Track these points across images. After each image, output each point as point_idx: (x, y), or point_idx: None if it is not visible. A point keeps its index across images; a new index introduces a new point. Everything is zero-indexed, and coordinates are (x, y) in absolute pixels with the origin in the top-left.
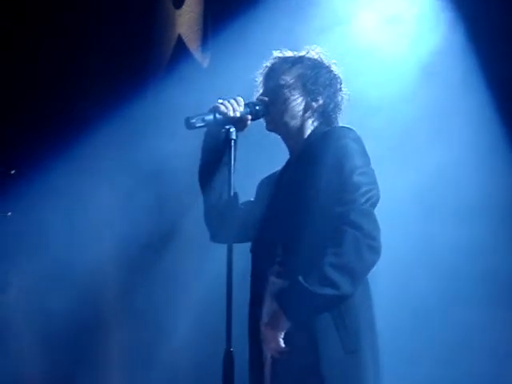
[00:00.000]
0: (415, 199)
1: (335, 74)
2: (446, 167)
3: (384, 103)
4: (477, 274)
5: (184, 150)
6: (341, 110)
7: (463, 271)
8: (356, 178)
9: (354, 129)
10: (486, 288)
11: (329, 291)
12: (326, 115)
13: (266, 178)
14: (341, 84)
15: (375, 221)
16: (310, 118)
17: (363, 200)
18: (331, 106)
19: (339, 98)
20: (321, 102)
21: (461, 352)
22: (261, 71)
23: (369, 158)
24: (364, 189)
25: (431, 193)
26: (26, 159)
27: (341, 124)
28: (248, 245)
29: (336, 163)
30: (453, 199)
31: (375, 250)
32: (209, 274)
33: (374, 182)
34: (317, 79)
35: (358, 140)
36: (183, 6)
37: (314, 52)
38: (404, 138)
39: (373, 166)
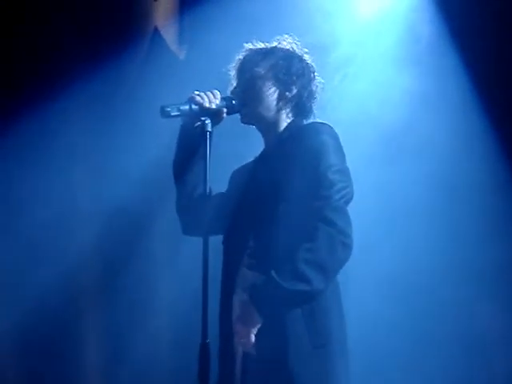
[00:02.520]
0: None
1: (308, 63)
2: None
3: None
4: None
5: (159, 141)
6: (315, 98)
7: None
8: (331, 175)
9: (331, 125)
10: (469, 283)
11: (301, 287)
12: (301, 105)
13: (239, 168)
14: (314, 73)
15: (348, 218)
16: (284, 108)
17: (338, 197)
18: (305, 95)
19: (313, 87)
20: (294, 91)
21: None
22: (233, 64)
23: (344, 156)
24: (339, 186)
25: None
26: None
27: (317, 119)
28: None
29: (312, 159)
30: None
31: (348, 247)
32: (185, 265)
33: (349, 180)
34: (289, 69)
35: (335, 137)
36: None
37: (285, 42)
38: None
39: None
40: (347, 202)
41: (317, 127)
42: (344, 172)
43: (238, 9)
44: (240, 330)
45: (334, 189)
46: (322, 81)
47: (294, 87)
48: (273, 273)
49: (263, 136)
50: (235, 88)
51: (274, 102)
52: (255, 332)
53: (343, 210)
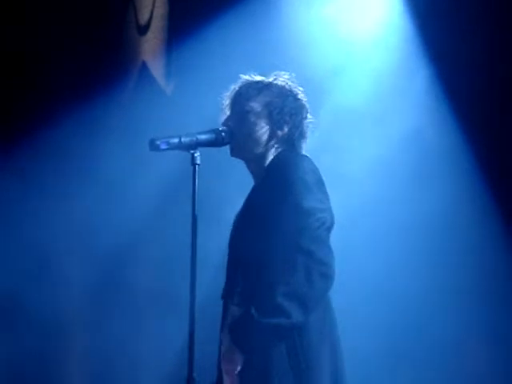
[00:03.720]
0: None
1: (302, 103)
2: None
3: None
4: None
5: (147, 174)
6: (305, 138)
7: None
8: (308, 205)
9: (310, 157)
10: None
11: (280, 321)
12: (291, 142)
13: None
14: (307, 112)
15: (328, 247)
16: (274, 145)
17: (315, 226)
18: (296, 134)
19: (304, 126)
20: (286, 130)
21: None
22: (228, 94)
23: (323, 184)
24: (316, 216)
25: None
26: None
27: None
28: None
29: (291, 191)
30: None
31: (327, 277)
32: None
33: (328, 209)
34: (283, 108)
35: (314, 170)
36: (147, 33)
37: (281, 78)
38: None
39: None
40: (327, 230)
41: (296, 160)
42: (322, 201)
43: (226, 44)
44: (224, 368)
45: (311, 219)
46: (313, 120)
47: (285, 126)
48: (251, 308)
49: (250, 171)
50: (227, 120)
51: (265, 139)
52: (238, 369)
53: (322, 239)
